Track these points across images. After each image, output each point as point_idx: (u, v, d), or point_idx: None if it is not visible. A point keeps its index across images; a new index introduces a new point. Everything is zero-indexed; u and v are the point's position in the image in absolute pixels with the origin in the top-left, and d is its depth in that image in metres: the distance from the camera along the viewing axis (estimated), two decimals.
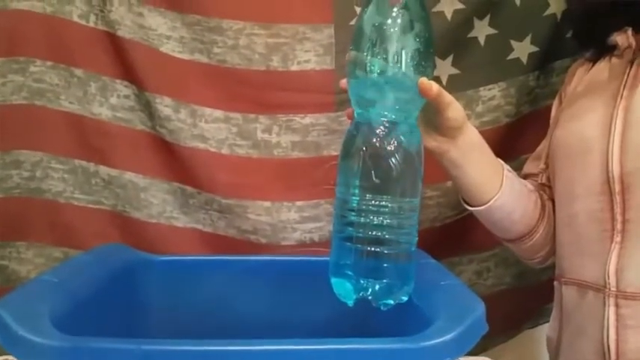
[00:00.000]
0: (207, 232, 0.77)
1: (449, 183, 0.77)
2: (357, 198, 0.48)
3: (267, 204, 0.76)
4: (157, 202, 0.76)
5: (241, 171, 0.76)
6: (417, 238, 0.51)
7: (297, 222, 0.76)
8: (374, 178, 0.48)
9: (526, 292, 0.83)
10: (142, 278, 0.61)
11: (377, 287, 0.48)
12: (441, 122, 0.56)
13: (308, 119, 0.76)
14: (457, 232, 0.80)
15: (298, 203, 0.76)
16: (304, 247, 0.76)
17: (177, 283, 0.62)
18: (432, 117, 0.56)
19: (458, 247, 0.82)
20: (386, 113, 0.49)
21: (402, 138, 0.49)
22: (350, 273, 0.49)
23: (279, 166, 0.76)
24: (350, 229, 0.49)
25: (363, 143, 0.49)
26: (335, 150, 0.76)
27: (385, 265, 0.48)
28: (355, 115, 0.51)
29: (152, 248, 0.71)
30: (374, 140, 0.48)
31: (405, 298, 0.50)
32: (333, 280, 0.50)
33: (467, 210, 0.64)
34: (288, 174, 0.76)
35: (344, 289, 0.49)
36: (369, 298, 0.49)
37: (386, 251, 0.48)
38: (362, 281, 0.48)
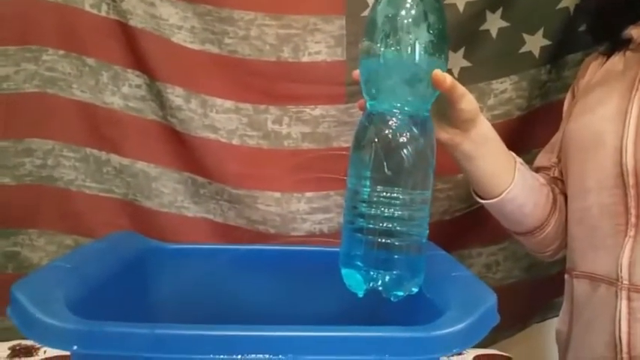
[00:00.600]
0: (217, 222, 0.78)
1: (460, 175, 0.77)
2: (369, 189, 0.49)
3: (277, 195, 0.76)
4: (167, 191, 0.77)
5: (251, 161, 0.76)
6: (427, 231, 0.51)
7: (306, 213, 0.77)
8: (386, 170, 0.48)
9: (535, 286, 0.84)
10: (154, 266, 0.62)
11: (387, 278, 0.49)
12: (453, 114, 0.56)
13: (318, 110, 0.76)
14: (467, 225, 0.80)
15: (308, 194, 0.77)
16: (313, 238, 0.77)
17: (187, 271, 0.63)
18: (444, 109, 0.56)
19: (467, 240, 0.82)
20: (398, 105, 0.49)
21: (415, 130, 0.49)
22: (360, 264, 0.49)
23: (289, 157, 0.76)
24: (361, 220, 0.49)
25: (375, 134, 0.49)
26: (345, 141, 0.76)
27: (396, 256, 0.48)
28: (367, 106, 0.51)
29: (163, 237, 0.71)
30: (386, 132, 0.49)
31: (415, 290, 0.50)
32: (344, 271, 0.50)
33: (478, 203, 0.64)
34: (298, 165, 0.76)
35: (354, 280, 0.50)
36: (380, 289, 0.49)
37: (397, 243, 0.48)
38: (372, 272, 0.49)
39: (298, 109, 0.76)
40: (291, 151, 0.76)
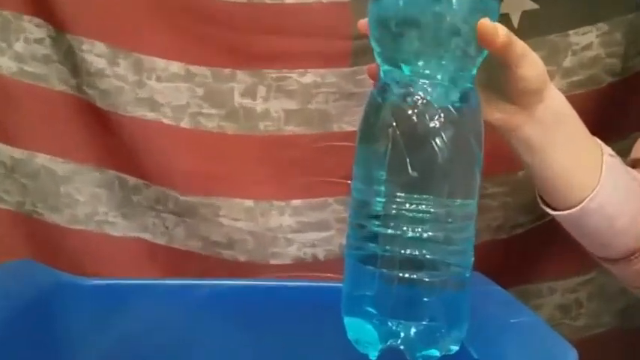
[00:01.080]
0: (158, 245, 0.79)
1: (520, 174, 0.78)
2: (384, 199, 0.49)
3: (249, 203, 0.77)
4: (83, 198, 0.77)
5: (210, 154, 0.77)
6: (472, 258, 0.51)
7: (292, 230, 0.77)
8: (409, 170, 0.48)
9: (636, 337, 0.84)
10: (64, 310, 0.62)
11: (413, 332, 0.49)
12: (510, 84, 0.56)
13: (310, 77, 0.76)
14: (532, 248, 0.81)
15: (295, 203, 0.77)
16: (303, 270, 0.78)
17: (113, 319, 0.63)
18: (496, 77, 0.56)
19: (534, 270, 0.83)
20: (427, 72, 0.49)
21: (452, 109, 0.49)
22: (373, 311, 0.49)
23: (267, 147, 0.77)
24: (372, 245, 0.49)
25: (392, 117, 0.49)
26: (350, 124, 0.77)
27: (425, 298, 0.49)
28: (381, 73, 0.52)
29: (77, 267, 0.72)
30: (409, 112, 0.49)
31: (455, 348, 0.50)
32: (348, 321, 0.51)
33: (547, 214, 0.64)
34: (281, 159, 0.77)
35: (364, 334, 0.50)
36: (401, 347, 0.49)
37: (427, 278, 0.49)
38: (390, 323, 0.49)
39: (280, 74, 0.76)
40: (269, 137, 0.77)
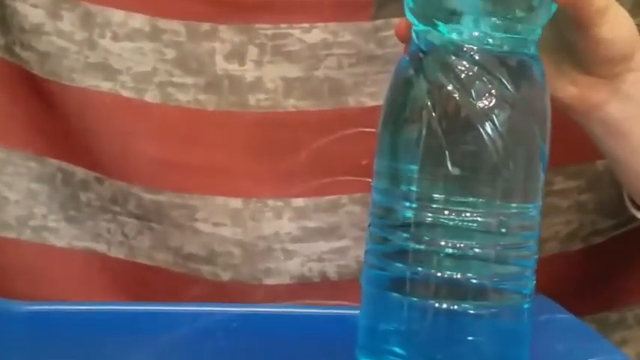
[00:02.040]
0: (114, 259, 0.79)
1: (600, 164, 0.78)
2: (415, 204, 0.49)
3: (236, 203, 0.77)
4: (15, 197, 0.78)
5: (184, 137, 0.77)
6: (534, 282, 0.51)
7: (294, 239, 0.78)
8: (449, 166, 0.49)
9: None
10: None
11: None
12: (587, 50, 0.57)
13: (317, 34, 0.76)
14: (615, 263, 0.81)
15: (297, 202, 0.78)
16: (307, 292, 0.78)
17: (56, 352, 0.63)
18: (568, 42, 0.57)
19: (617, 293, 0.83)
20: (476, 34, 0.50)
21: (508, 84, 0.49)
22: (399, 351, 0.50)
23: (260, 128, 0.77)
24: (400, 264, 0.50)
25: (428, 94, 0.49)
26: (371, 96, 0.77)
27: (470, 337, 0.49)
28: (413, 34, 0.52)
29: (7, 288, 0.73)
30: (450, 89, 0.49)
31: None
32: None
33: (635, 219, 0.66)
34: (278, 144, 0.77)
35: None
36: None
37: (472, 310, 0.49)
38: None
39: (277, 30, 0.76)
40: (262, 115, 0.77)
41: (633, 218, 0.65)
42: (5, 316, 0.65)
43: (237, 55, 0.77)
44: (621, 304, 0.83)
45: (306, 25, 0.76)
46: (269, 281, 0.78)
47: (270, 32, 0.76)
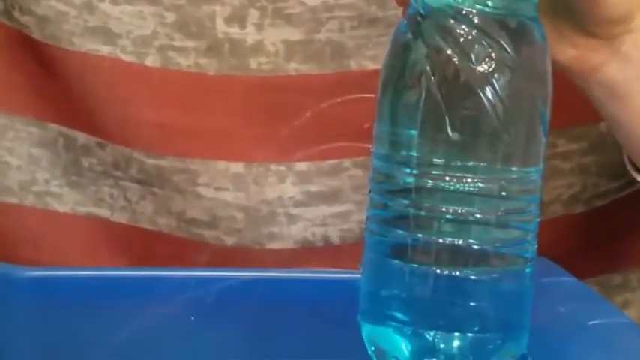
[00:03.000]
0: (116, 224, 0.79)
1: (603, 126, 0.78)
2: (415, 170, 0.49)
3: (238, 167, 0.77)
4: (17, 162, 0.78)
5: (185, 101, 0.77)
6: (536, 245, 0.51)
7: (296, 203, 0.78)
8: (449, 130, 0.48)
9: None
10: None
11: (456, 346, 0.49)
12: (587, 10, 0.56)
13: None
14: (617, 225, 0.81)
15: (299, 166, 0.78)
16: (310, 256, 0.78)
17: (57, 321, 0.64)
18: (567, 3, 0.56)
19: (619, 255, 0.83)
20: None
21: (508, 47, 0.49)
22: (402, 317, 0.50)
23: (261, 92, 0.77)
24: (400, 231, 0.50)
25: (426, 58, 0.49)
26: (373, 60, 0.76)
27: (472, 302, 0.49)
28: None
29: (10, 253, 0.74)
30: (449, 52, 0.49)
31: None
32: (367, 330, 0.51)
33: (637, 182, 0.66)
34: (280, 108, 0.77)
35: (390, 349, 0.50)
36: None
37: (473, 275, 0.49)
38: (427, 334, 0.49)
39: None
40: (263, 79, 0.77)
41: (635, 181, 0.65)
42: (8, 282, 0.64)
43: (237, 18, 0.76)
44: (624, 266, 0.83)
45: None
46: (272, 246, 0.78)
47: None
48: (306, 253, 0.78)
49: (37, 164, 0.79)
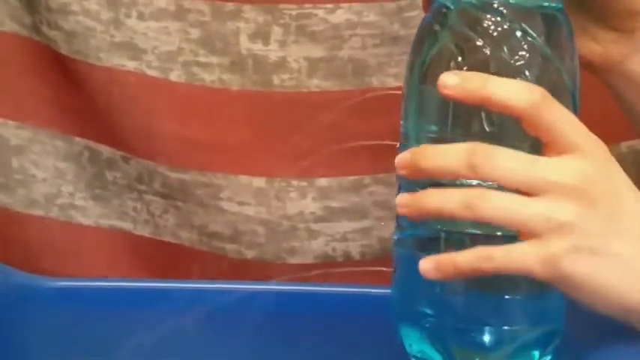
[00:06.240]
0: (140, 237, 0.79)
1: (623, 146, 0.79)
2: None
3: (260, 182, 0.77)
4: (43, 175, 0.78)
5: (208, 116, 0.77)
6: None
7: (317, 219, 0.78)
8: (484, 124, 0.48)
9: None
10: (16, 319, 0.62)
11: (488, 340, 0.49)
12: (607, 4, 0.57)
13: (341, 14, 0.76)
14: None
15: (320, 182, 0.78)
16: (331, 271, 0.76)
17: (80, 331, 0.64)
18: None
19: None
20: None
21: (538, 39, 0.49)
22: (434, 314, 0.50)
23: (284, 108, 0.77)
24: (430, 225, 0.50)
25: (456, 49, 0.49)
26: (395, 77, 0.77)
27: (507, 295, 0.49)
28: None
29: (34, 264, 0.73)
30: (480, 44, 0.49)
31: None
32: (401, 330, 0.52)
33: None
34: (302, 123, 0.77)
35: (421, 346, 0.51)
36: None
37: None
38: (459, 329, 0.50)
39: (302, 10, 0.76)
40: (286, 95, 0.77)
41: None
42: (32, 292, 0.65)
43: (261, 35, 0.77)
44: None
45: (330, 5, 0.76)
46: (293, 260, 0.78)
47: (294, 12, 0.76)
48: (326, 267, 0.77)
49: (62, 177, 0.79)
